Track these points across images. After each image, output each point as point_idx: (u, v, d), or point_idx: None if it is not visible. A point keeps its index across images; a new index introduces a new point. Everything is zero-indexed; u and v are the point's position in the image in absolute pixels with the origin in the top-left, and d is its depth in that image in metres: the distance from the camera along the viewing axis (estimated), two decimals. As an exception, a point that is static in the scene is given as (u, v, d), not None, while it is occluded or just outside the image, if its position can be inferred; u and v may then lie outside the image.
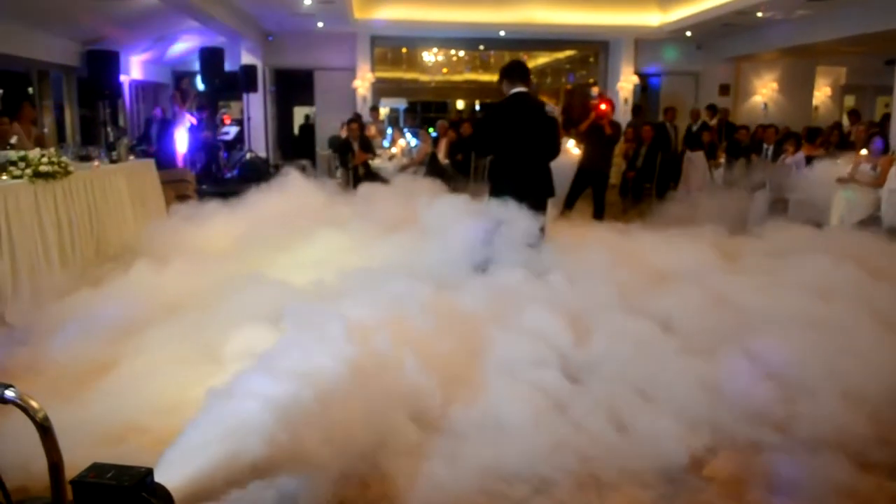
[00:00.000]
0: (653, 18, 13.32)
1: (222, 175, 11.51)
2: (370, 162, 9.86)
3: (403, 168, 9.71)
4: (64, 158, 5.26)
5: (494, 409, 3.12)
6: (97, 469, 1.89)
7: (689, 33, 13.13)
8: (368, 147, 10.03)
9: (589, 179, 8.41)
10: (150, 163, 7.26)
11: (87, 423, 2.81)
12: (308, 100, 15.00)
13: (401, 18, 12.93)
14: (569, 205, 8.17)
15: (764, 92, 14.86)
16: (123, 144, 6.89)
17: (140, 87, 13.68)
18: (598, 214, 8.25)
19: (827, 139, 9.95)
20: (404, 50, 16.69)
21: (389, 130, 12.07)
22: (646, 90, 15.13)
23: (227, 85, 11.86)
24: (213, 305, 4.07)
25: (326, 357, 2.69)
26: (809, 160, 8.60)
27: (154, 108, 12.74)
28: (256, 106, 13.49)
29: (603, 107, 8.57)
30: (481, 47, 16.08)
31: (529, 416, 3.07)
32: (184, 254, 5.12)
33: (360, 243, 5.33)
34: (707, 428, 3.08)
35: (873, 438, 3.01)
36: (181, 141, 10.29)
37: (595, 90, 13.35)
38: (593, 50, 15.23)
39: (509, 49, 15.50)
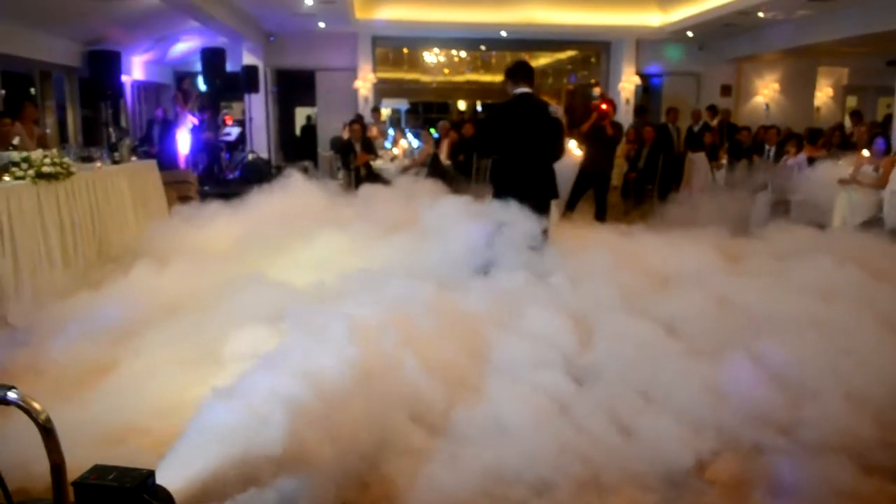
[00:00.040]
0: (654, 19, 13.33)
1: (224, 176, 11.51)
2: (372, 163, 9.86)
3: (405, 169, 9.72)
4: (66, 159, 5.27)
5: (496, 411, 3.11)
6: (99, 471, 1.89)
7: (690, 34, 13.13)
8: (370, 148, 10.03)
9: (591, 181, 8.38)
10: (152, 164, 7.27)
11: (87, 423, 2.81)
12: (310, 100, 15.02)
13: (402, 18, 12.95)
14: (570, 206, 8.15)
15: (765, 93, 14.85)
16: (125, 145, 6.89)
17: (142, 88, 13.69)
18: (600, 216, 8.21)
19: (829, 140, 9.95)
20: (406, 50, 16.69)
21: (391, 131, 12.07)
22: (647, 91, 15.13)
23: (228, 85, 11.88)
24: (214, 306, 4.07)
25: (328, 358, 2.68)
26: (811, 161, 8.59)
27: (156, 109, 12.76)
28: (258, 107, 13.50)
29: (604, 107, 8.56)
30: (482, 48, 16.08)
31: (531, 418, 3.06)
32: (185, 255, 5.12)
33: (361, 245, 5.32)
34: (709, 430, 3.06)
35: (876, 441, 3.00)
36: (183, 142, 10.31)
37: (597, 91, 13.35)
38: (594, 50, 15.22)
39: (510, 49, 15.50)
